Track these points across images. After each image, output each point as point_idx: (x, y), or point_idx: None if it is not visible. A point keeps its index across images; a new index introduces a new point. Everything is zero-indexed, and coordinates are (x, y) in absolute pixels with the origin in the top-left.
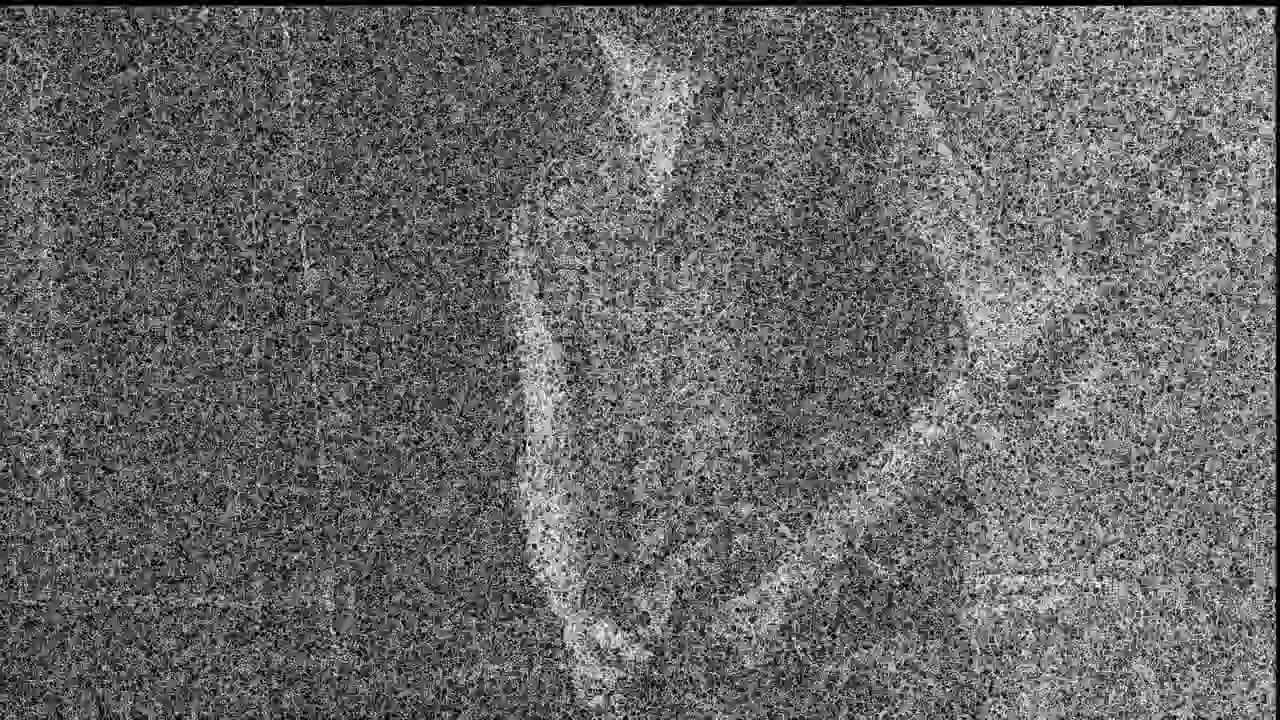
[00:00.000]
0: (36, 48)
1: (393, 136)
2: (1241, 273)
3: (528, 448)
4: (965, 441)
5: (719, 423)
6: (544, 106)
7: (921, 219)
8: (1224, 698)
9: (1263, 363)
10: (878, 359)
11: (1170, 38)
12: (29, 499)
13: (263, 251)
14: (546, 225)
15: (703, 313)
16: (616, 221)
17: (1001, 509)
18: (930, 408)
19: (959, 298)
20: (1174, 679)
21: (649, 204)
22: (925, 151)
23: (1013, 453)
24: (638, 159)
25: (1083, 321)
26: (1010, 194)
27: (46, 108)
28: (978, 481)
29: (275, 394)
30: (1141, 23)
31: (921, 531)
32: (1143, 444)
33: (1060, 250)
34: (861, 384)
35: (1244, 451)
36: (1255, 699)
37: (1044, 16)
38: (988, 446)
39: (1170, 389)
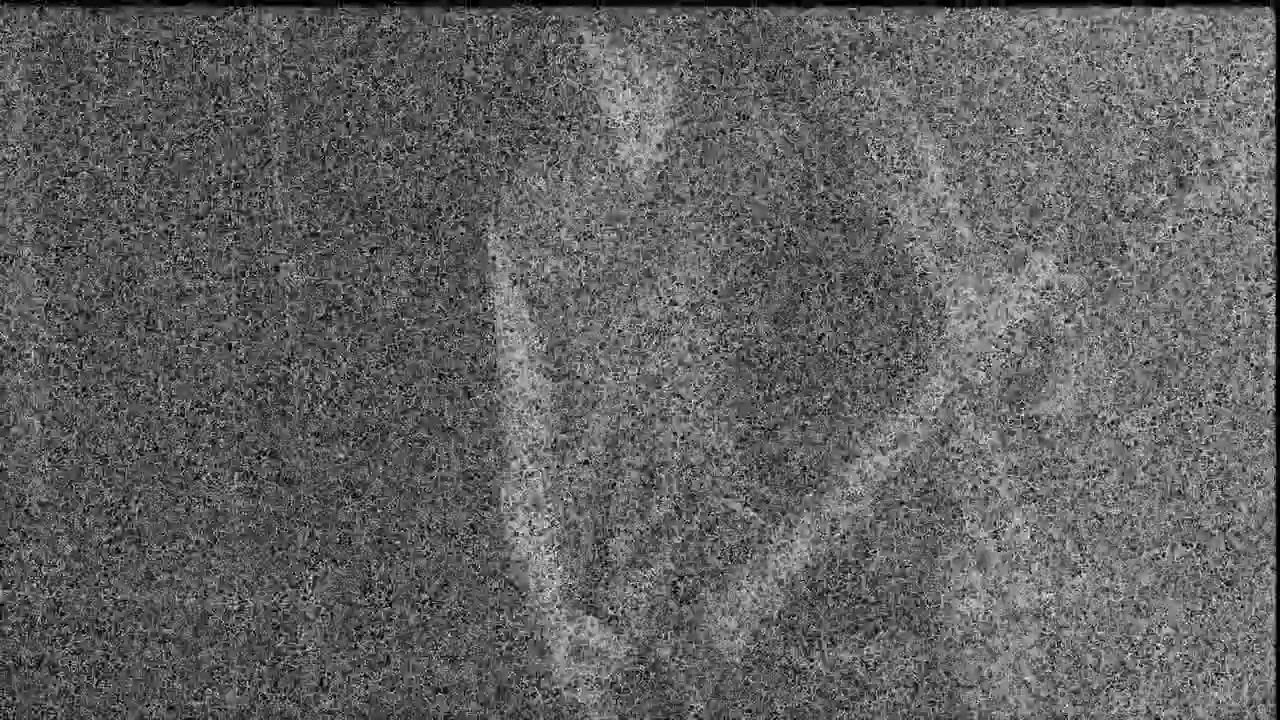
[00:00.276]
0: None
1: (371, 129)
2: (1230, 267)
3: (508, 443)
4: (947, 437)
5: (700, 418)
6: (524, 103)
7: (902, 214)
8: (1214, 694)
9: (1254, 358)
10: (859, 355)
11: (1152, 39)
12: (11, 493)
13: (242, 245)
14: (526, 223)
15: (684, 309)
16: (597, 218)
17: (983, 504)
18: (912, 403)
19: (940, 293)
20: (1160, 675)
21: (629, 201)
22: (905, 146)
23: (994, 448)
24: (618, 155)
25: (1066, 317)
26: (991, 189)
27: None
28: (959, 477)
29: (259, 395)
30: (1128, 18)
31: (902, 527)
32: (1128, 439)
33: (1042, 245)
34: (843, 380)
35: (1236, 446)
36: (1248, 694)
37: (1028, 11)
38: (970, 442)
39: (1156, 383)
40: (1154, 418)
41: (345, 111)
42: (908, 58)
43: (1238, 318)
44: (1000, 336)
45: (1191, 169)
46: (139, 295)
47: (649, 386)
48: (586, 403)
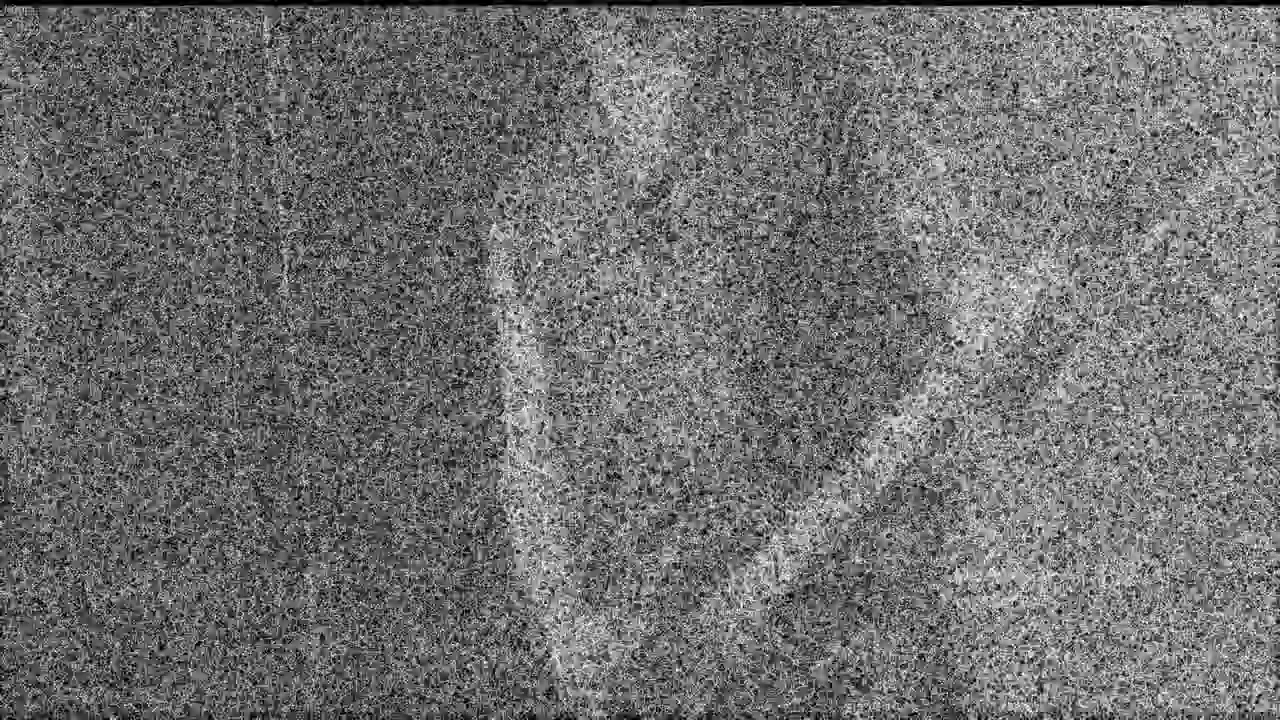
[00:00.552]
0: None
1: (373, 128)
2: (1235, 261)
3: (510, 439)
4: (948, 433)
5: (702, 414)
6: (527, 100)
7: (905, 210)
8: (1217, 688)
9: (1260, 352)
10: (861, 349)
11: (1157, 31)
12: (12, 488)
13: (244, 248)
14: (529, 218)
15: (685, 305)
16: (600, 215)
17: (984, 501)
18: (913, 398)
19: (943, 288)
20: (1163, 670)
21: (632, 198)
22: (908, 142)
23: (996, 445)
24: (621, 152)
25: (1069, 311)
26: (995, 183)
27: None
28: (961, 473)
29: (259, 394)
30: (1131, 15)
31: (904, 523)
32: (1129, 436)
33: (1046, 240)
34: (844, 374)
35: (1238, 443)
36: (1252, 688)
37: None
38: (971, 439)
39: (1160, 377)
40: (1158, 412)
41: (347, 110)
42: (911, 53)
43: (1242, 312)
44: (1003, 331)
45: (1196, 163)
46: (140, 290)
47: (649, 383)
48: (587, 399)
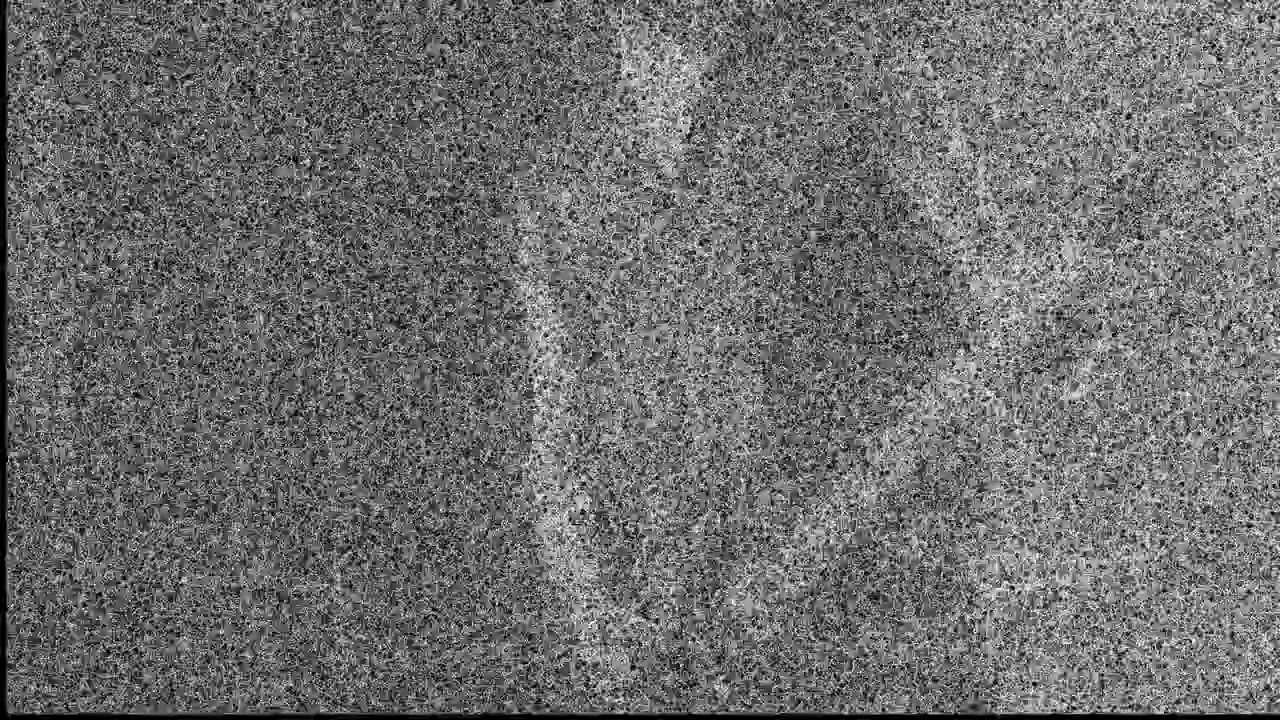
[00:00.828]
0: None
1: (398, 108)
2: (1259, 253)
3: (534, 429)
4: (974, 420)
5: (727, 402)
6: (552, 84)
7: (929, 196)
8: (1239, 678)
9: (1277, 340)
10: (885, 336)
11: (1183, 22)
12: (36, 485)
13: (266, 233)
14: (552, 204)
15: (709, 294)
16: (625, 200)
17: (1011, 488)
18: (937, 386)
19: (967, 276)
20: (1186, 659)
21: (658, 182)
22: (934, 127)
23: (1020, 432)
24: (646, 136)
25: (1090, 299)
26: (1019, 169)
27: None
28: (987, 461)
29: (281, 379)
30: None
31: (931, 511)
32: (1154, 421)
33: (1069, 225)
34: (869, 362)
35: (1261, 429)
36: (1274, 678)
37: None
38: (995, 425)
39: (1179, 369)
40: (1182, 402)
41: (367, 89)
42: (938, 38)
43: (1267, 303)
44: (1026, 319)
45: (1222, 154)
46: (163, 283)
47: (675, 367)
48: (612, 384)
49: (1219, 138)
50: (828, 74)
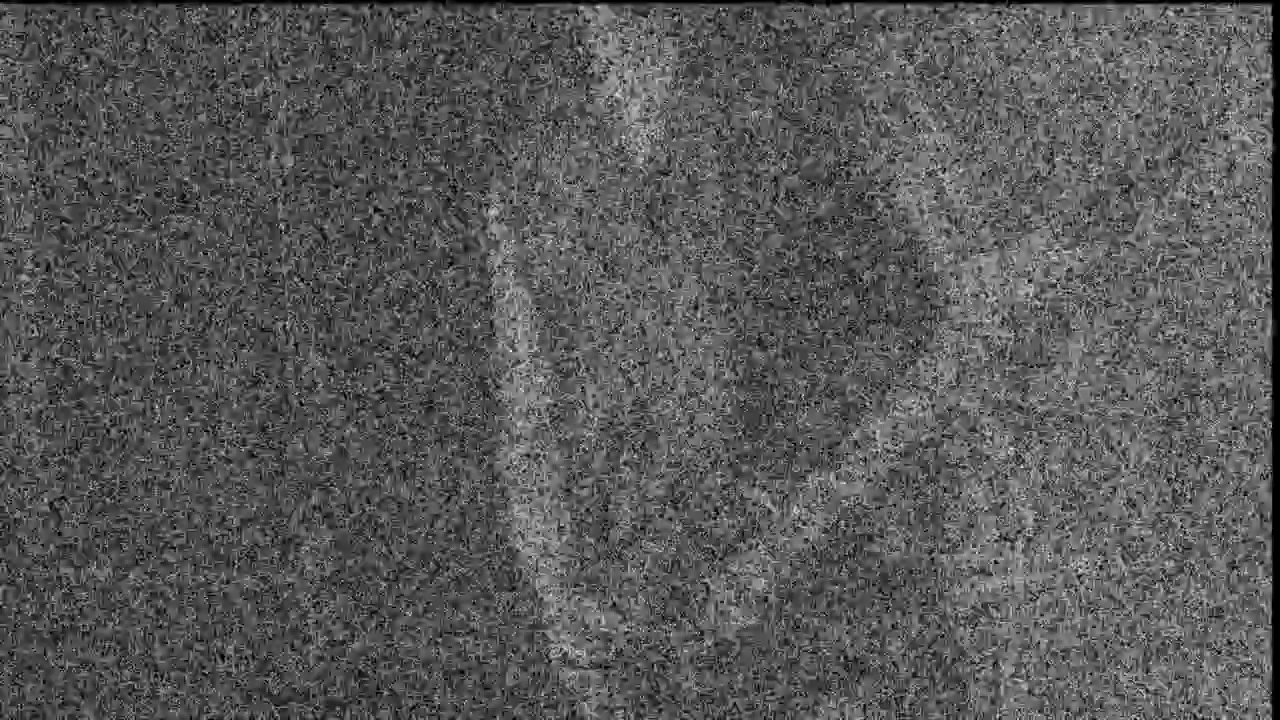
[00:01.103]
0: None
1: (369, 102)
2: (1234, 245)
3: (509, 418)
4: (949, 415)
5: (703, 396)
6: (525, 77)
7: (905, 191)
8: (1215, 676)
9: (1257, 332)
10: (862, 332)
11: (1153, 27)
12: (10, 473)
13: (248, 229)
14: (527, 197)
15: (684, 285)
16: (600, 194)
17: (987, 483)
18: (915, 381)
19: (943, 270)
20: (1165, 655)
21: (633, 176)
22: (908, 122)
23: (998, 426)
24: (621, 130)
25: (1069, 295)
26: (995, 166)
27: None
28: (963, 455)
29: (259, 372)
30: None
31: (904, 505)
32: (1130, 417)
33: (1046, 223)
34: (845, 357)
35: (1238, 425)
36: (1250, 679)
37: None
38: (973, 420)
39: (1161, 361)
40: (1159, 396)
41: (343, 91)
42: (912, 34)
43: (1242, 298)
44: (1003, 314)
45: (1195, 146)
46: (140, 282)
47: (648, 364)
48: (585, 380)
49: (1192, 131)
50: (802, 66)
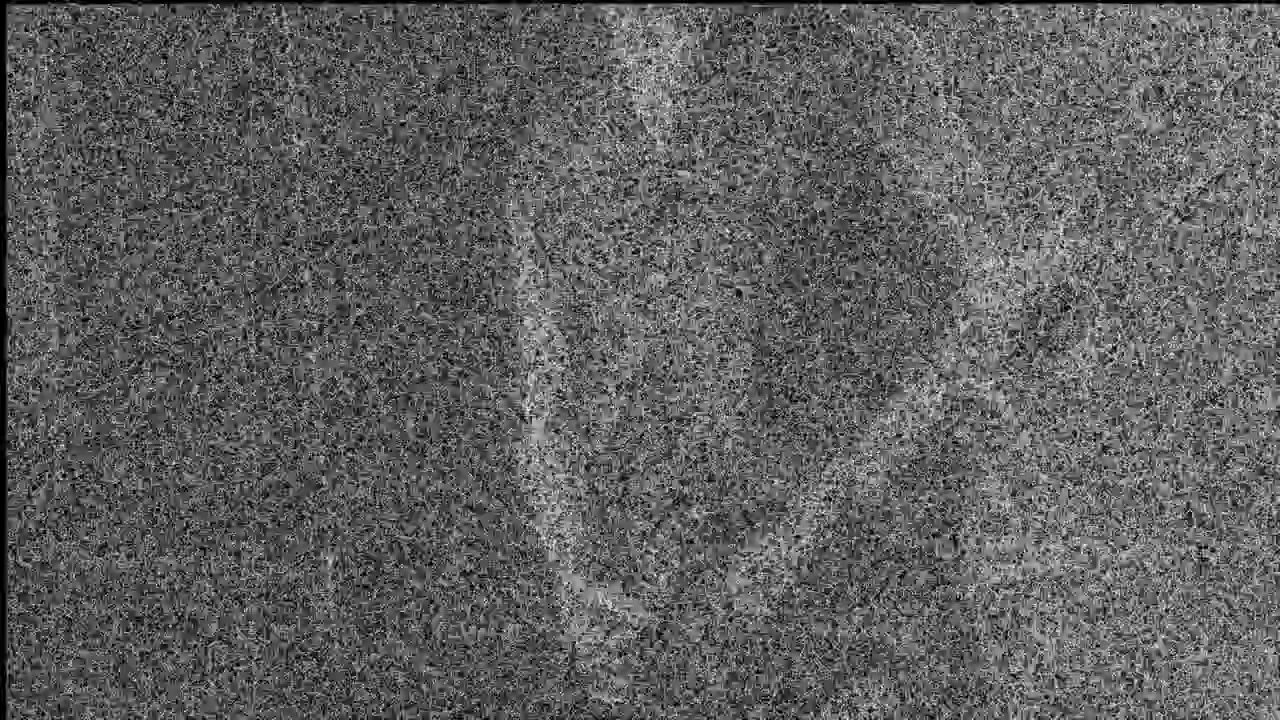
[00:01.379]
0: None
1: (389, 88)
2: (1252, 234)
3: (526, 408)
4: (966, 403)
5: (719, 383)
6: (542, 63)
7: (922, 177)
8: (1234, 665)
9: (1273, 322)
10: (878, 317)
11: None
12: (30, 476)
13: (260, 222)
14: (543, 183)
15: (702, 269)
16: (617, 180)
17: (1002, 471)
18: (930, 369)
19: (960, 257)
20: (1181, 647)
21: (650, 165)
22: (926, 108)
23: (1014, 414)
24: (637, 115)
25: (1087, 282)
26: (1011, 151)
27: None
28: (978, 443)
29: (268, 365)
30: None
31: (922, 494)
32: (1148, 406)
33: (1061, 208)
34: (861, 345)
35: (1261, 416)
36: (1269, 667)
37: None
38: (988, 408)
39: (1175, 349)
40: (1177, 384)
41: (361, 82)
42: (931, 18)
43: (1261, 286)
44: (1020, 301)
45: (1216, 136)
46: (157, 279)
47: (666, 348)
48: (604, 367)
49: (1207, 120)
50: (819, 52)
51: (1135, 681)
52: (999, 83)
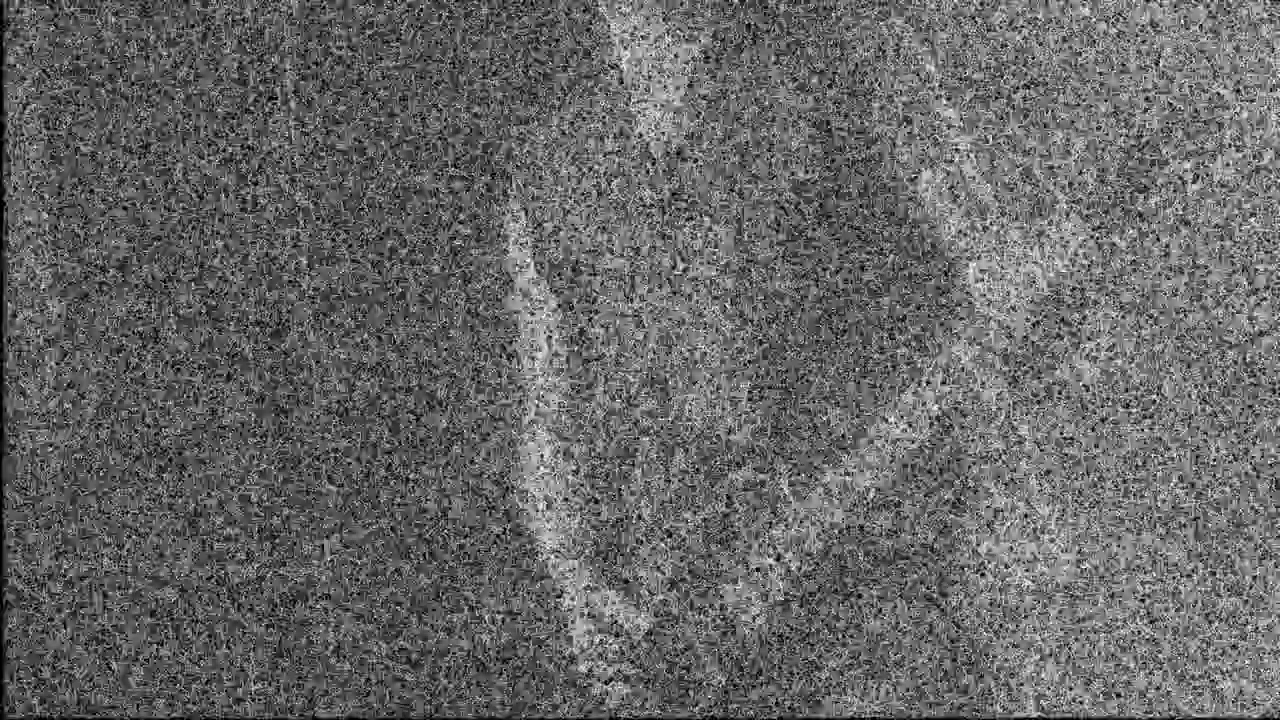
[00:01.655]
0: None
1: (387, 93)
2: (1255, 233)
3: (527, 409)
4: (969, 405)
5: (721, 385)
6: (544, 64)
7: (925, 178)
8: (1236, 666)
9: (1274, 321)
10: (881, 320)
11: (1177, 7)
12: (25, 470)
13: (254, 217)
14: (545, 185)
15: (702, 272)
16: (618, 182)
17: (1006, 473)
18: (934, 370)
19: (963, 259)
20: (1185, 651)
21: (651, 164)
22: (928, 110)
23: (1018, 416)
24: (639, 118)
25: (1088, 281)
26: (1013, 151)
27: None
28: (982, 445)
29: (270, 357)
30: None
31: (924, 496)
32: (1150, 408)
33: (1067, 211)
34: (864, 346)
35: (1264, 417)
36: (1271, 669)
37: None
38: (992, 409)
39: (1181, 351)
40: (1179, 386)
41: (360, 76)
42: (933, 23)
43: (1264, 284)
44: (1023, 303)
45: (1218, 134)
46: (151, 267)
47: (667, 352)
48: (605, 369)
49: (1214, 118)
50: (821, 54)
51: (1137, 681)
52: (1001, 82)
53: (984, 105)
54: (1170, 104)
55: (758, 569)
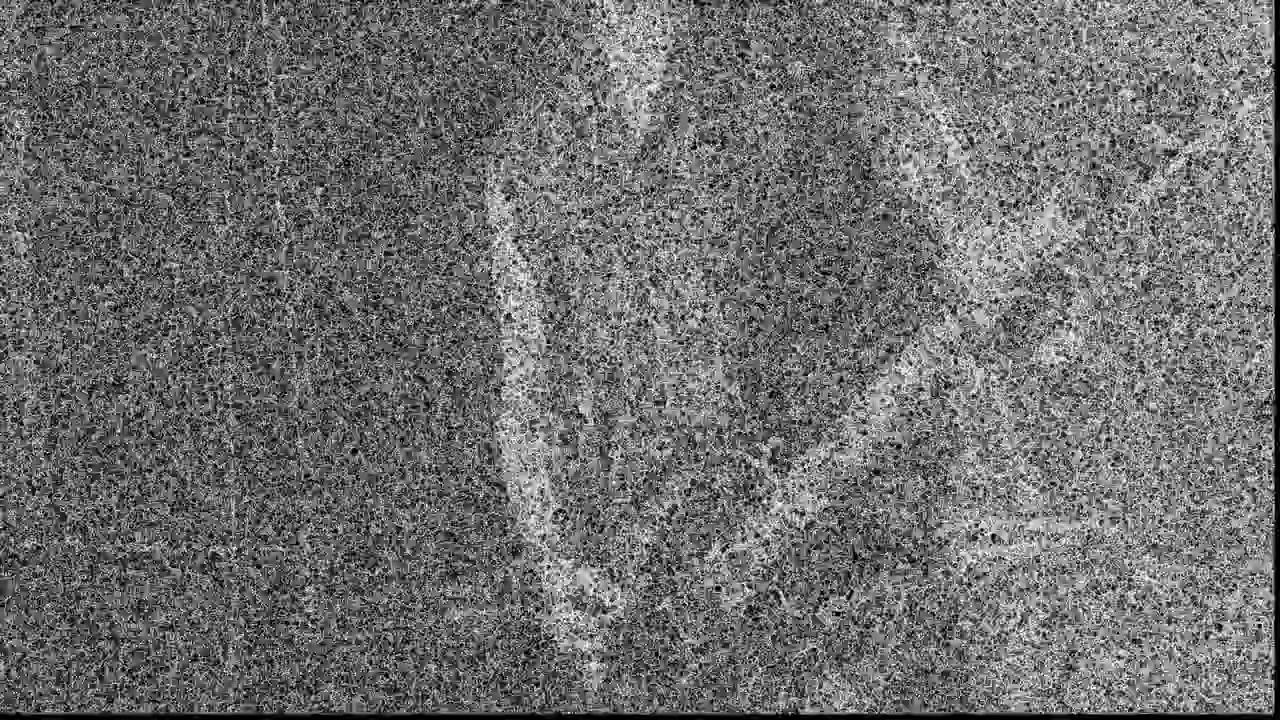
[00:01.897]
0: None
1: (368, 73)
2: (1234, 211)
3: (507, 387)
4: (950, 384)
5: (699, 366)
6: (523, 46)
7: (906, 160)
8: (1216, 644)
9: (1256, 304)
10: (861, 301)
11: None
12: (8, 449)
13: (236, 199)
14: (525, 167)
15: (682, 255)
16: (597, 163)
17: (986, 452)
18: (914, 349)
19: (944, 239)
20: (1162, 624)
21: (630, 146)
22: (910, 92)
23: (998, 395)
24: (618, 98)
25: (1067, 262)
26: (996, 134)
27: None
28: (962, 424)
29: (252, 344)
30: None
31: (906, 474)
32: (1131, 386)
33: (1046, 191)
34: (845, 325)
35: (1238, 394)
36: (1248, 646)
37: None
38: (972, 389)
39: (1160, 329)
40: (1158, 363)
41: (341, 63)
42: (916, 6)
43: (1241, 262)
44: (1004, 282)
45: (1196, 113)
46: (134, 255)
47: (647, 332)
48: (585, 350)
49: (1193, 105)
50: (802, 40)
51: (1117, 662)
52: (983, 65)
53: (966, 89)
54: (1153, 84)
55: (737, 549)
